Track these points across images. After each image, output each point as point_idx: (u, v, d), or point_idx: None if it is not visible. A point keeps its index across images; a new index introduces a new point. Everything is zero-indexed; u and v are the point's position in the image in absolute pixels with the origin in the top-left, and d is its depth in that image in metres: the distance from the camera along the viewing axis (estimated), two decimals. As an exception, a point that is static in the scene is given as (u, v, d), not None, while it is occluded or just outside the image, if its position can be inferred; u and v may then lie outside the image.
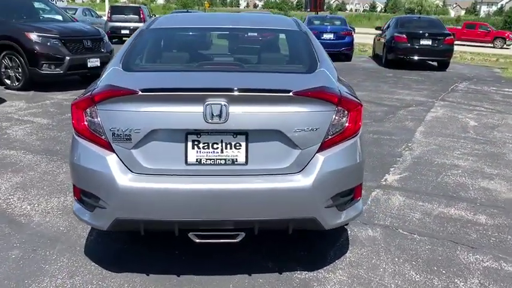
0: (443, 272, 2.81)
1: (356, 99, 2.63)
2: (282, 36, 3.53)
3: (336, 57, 15.09)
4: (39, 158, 4.73)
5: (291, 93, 2.36)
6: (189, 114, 2.33)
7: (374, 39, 16.47)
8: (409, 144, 5.57)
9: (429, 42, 12.99)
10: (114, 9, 19.21)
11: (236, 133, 2.39)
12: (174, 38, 3.40)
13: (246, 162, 2.41)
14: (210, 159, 2.40)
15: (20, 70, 8.38)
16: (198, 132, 2.38)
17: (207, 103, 2.30)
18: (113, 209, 2.40)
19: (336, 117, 2.48)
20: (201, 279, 2.68)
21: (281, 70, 2.88)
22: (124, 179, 2.37)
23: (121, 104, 2.37)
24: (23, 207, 3.59)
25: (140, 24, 18.58)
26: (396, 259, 2.94)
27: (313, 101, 2.41)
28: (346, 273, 2.77)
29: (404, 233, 3.30)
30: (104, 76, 2.68)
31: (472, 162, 4.96)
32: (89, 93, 2.48)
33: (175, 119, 2.35)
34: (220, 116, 2.31)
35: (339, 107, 2.49)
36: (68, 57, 8.37)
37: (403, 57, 13.02)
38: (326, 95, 2.44)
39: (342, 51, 14.82)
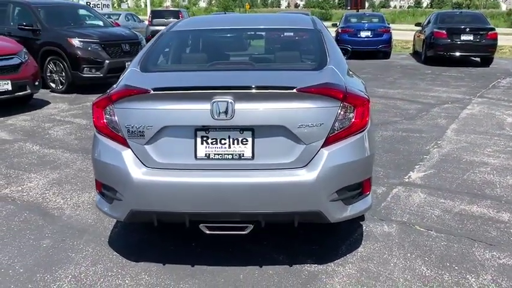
0: (456, 268, 2.79)
1: (363, 95, 2.67)
2: (297, 35, 3.60)
3: (373, 55, 14.91)
4: (76, 156, 5.02)
5: (294, 90, 2.44)
6: (198, 111, 2.45)
7: (414, 36, 16.09)
8: (439, 142, 5.47)
9: (471, 38, 12.56)
10: (155, 14, 19.85)
11: (243, 129, 2.49)
12: (191, 39, 3.55)
13: (253, 157, 2.51)
14: (218, 154, 2.51)
15: (63, 74, 8.87)
16: (206, 129, 2.50)
17: (213, 101, 2.42)
18: (128, 201, 2.56)
19: (341, 113, 2.53)
20: (213, 269, 2.79)
21: (290, 68, 2.95)
22: (138, 173, 2.52)
23: (135, 102, 2.53)
24: (57, 201, 3.85)
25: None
26: (409, 255, 2.94)
27: (317, 97, 2.48)
28: (356, 266, 2.81)
29: (421, 229, 3.28)
30: (122, 77, 2.86)
31: (503, 160, 4.81)
32: (108, 93, 2.66)
33: (185, 116, 2.48)
34: (226, 112, 2.42)
35: (345, 103, 2.54)
36: (107, 61, 8.76)
37: (443, 54, 12.65)
38: (330, 91, 2.50)
39: (379, 49, 14.60)
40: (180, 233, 3.17)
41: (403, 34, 22.06)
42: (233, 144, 2.51)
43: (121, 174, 2.55)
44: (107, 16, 21.51)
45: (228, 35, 3.67)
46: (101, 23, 10.51)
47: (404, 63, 13.84)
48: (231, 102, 2.42)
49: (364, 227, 3.30)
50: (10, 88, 7.02)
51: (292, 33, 3.67)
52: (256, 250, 3.00)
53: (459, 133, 5.87)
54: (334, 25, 17.17)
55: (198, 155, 2.52)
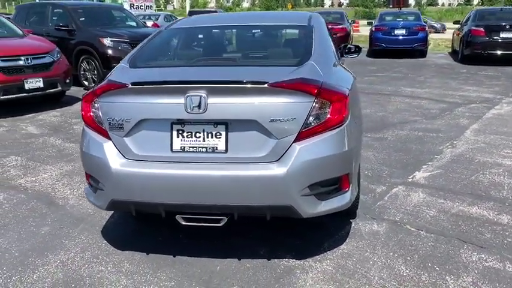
0: (437, 269, 2.72)
1: (340, 91, 2.65)
2: (288, 31, 3.62)
3: (409, 53, 14.54)
4: (92, 150, 5.24)
5: (266, 85, 2.46)
6: (173, 105, 2.53)
7: (453, 34, 15.56)
8: (454, 142, 5.30)
9: (511, 35, 12.00)
10: (192, 14, 20.22)
11: (216, 123, 2.55)
12: (185, 36, 3.64)
13: (226, 151, 2.56)
14: (193, 147, 2.58)
15: (95, 72, 9.24)
16: (181, 122, 2.57)
17: (187, 95, 2.49)
18: (108, 191, 2.68)
19: (315, 108, 2.53)
20: (193, 260, 2.87)
21: (271, 64, 2.97)
22: (117, 164, 2.63)
23: (116, 96, 2.64)
24: (64, 191, 4.05)
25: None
26: (391, 254, 2.90)
27: (290, 92, 2.49)
28: (334, 263, 2.80)
29: (411, 229, 3.22)
30: (111, 72, 2.98)
31: (520, 162, 4.61)
32: (94, 87, 2.78)
33: (161, 109, 2.56)
34: (199, 106, 2.48)
35: (319, 98, 2.54)
36: (136, 60, 9.03)
37: (481, 52, 12.16)
38: (302, 86, 2.51)
39: (414, 48, 14.22)
40: (171, 225, 3.26)
41: (449, 33, 21.34)
42: (207, 137, 2.57)
43: (102, 165, 2.66)
44: (147, 17, 22.19)
45: (221, 32, 3.73)
46: (134, 24, 10.86)
47: (440, 62, 13.42)
48: (204, 97, 2.48)
49: (352, 225, 3.28)
50: (42, 85, 7.39)
51: (284, 30, 3.68)
52: (239, 243, 3.05)
53: (478, 133, 5.66)
54: (369, 24, 16.85)
55: (173, 148, 2.59)
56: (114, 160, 2.65)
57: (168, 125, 2.59)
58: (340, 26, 16.07)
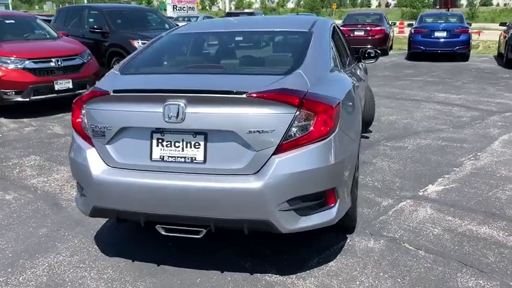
0: (427, 293, 2.55)
1: (326, 102, 2.53)
2: (285, 38, 3.50)
3: (451, 57, 13.96)
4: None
5: (244, 95, 2.38)
6: (152, 113, 2.49)
7: (499, 37, 14.79)
8: (478, 154, 4.99)
9: (561, 38, 11.25)
10: (230, 16, 20.34)
11: (196, 133, 2.49)
12: (178, 43, 3.61)
13: (204, 161, 2.50)
14: (172, 157, 2.54)
15: (126, 74, 9.43)
16: (161, 131, 2.53)
17: (166, 103, 2.45)
18: (91, 197, 2.69)
19: (297, 120, 2.43)
20: (176, 270, 2.82)
21: (257, 72, 2.88)
22: (99, 171, 2.63)
23: (99, 103, 2.64)
24: (71, 193, 4.12)
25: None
26: (381, 274, 2.74)
27: (270, 102, 2.40)
28: (318, 281, 2.68)
29: (410, 247, 3.04)
30: (101, 79, 2.99)
31: (547, 177, 4.28)
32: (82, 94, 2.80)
33: (141, 118, 2.54)
34: (177, 116, 2.44)
35: (302, 109, 2.43)
36: (165, 62, 9.17)
37: (527, 56, 11.48)
38: (283, 97, 2.41)
39: (456, 51, 13.62)
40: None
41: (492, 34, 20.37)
42: (186, 147, 2.52)
43: (85, 172, 2.67)
44: (186, 19, 22.49)
45: (215, 38, 3.67)
46: (167, 26, 11.02)
47: (482, 66, 12.78)
48: (182, 106, 2.43)
49: (347, 240, 3.13)
50: (71, 86, 7.63)
51: (281, 37, 3.58)
52: (227, 254, 2.98)
53: (507, 145, 5.31)
54: (409, 25, 16.33)
55: (153, 157, 2.56)
56: (96, 167, 2.65)
57: (148, 134, 2.56)
58: (378, 28, 15.69)
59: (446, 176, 4.36)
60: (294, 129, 2.43)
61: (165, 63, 3.24)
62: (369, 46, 15.28)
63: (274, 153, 2.43)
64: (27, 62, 7.28)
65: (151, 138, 2.56)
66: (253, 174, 2.44)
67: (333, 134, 2.55)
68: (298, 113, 2.43)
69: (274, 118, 2.41)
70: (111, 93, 2.58)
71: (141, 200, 2.56)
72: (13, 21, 8.67)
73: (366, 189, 4.07)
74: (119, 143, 2.62)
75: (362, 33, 15.67)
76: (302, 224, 2.53)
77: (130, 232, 3.37)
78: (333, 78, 2.98)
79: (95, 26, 9.89)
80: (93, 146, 2.69)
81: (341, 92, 2.83)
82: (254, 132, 2.40)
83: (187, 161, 2.52)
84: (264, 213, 2.43)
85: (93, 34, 9.88)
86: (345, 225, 3.16)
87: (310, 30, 3.34)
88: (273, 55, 3.45)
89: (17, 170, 4.77)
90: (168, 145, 2.54)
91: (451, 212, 3.55)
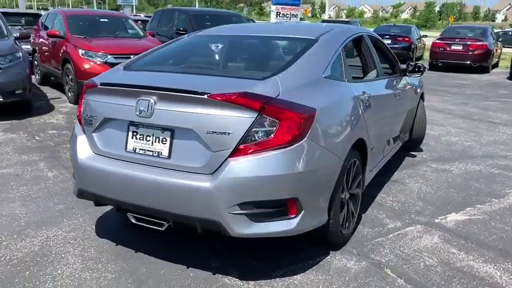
0: (380, 323, 2.36)
1: (294, 109, 2.48)
2: (288, 44, 3.44)
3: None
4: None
5: (205, 96, 2.43)
6: (129, 107, 2.65)
7: None
8: (532, 187, 4.43)
9: None
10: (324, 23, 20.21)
11: (164, 129, 2.60)
12: (191, 43, 3.71)
13: (169, 157, 2.59)
14: (143, 150, 2.67)
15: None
16: (136, 124, 2.68)
17: (138, 99, 2.59)
18: (77, 180, 2.93)
19: (257, 124, 2.42)
20: (149, 259, 2.94)
21: (237, 75, 2.88)
22: (84, 157, 2.86)
23: (91, 94, 2.88)
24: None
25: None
26: (343, 296, 2.60)
27: (230, 105, 2.42)
28: (272, 292, 2.62)
29: (390, 274, 2.83)
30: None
31: None
32: (86, 85, 3.06)
33: (120, 110, 2.71)
34: (146, 111, 2.57)
35: (263, 115, 2.42)
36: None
37: None
38: (243, 101, 2.41)
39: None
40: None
41: None
42: (155, 142, 2.63)
43: (75, 156, 2.92)
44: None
45: (222, 41, 3.71)
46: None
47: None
48: (152, 102, 2.56)
49: (328, 257, 3.01)
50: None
51: (284, 43, 3.51)
52: (201, 254, 3.03)
53: None
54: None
55: (127, 148, 2.72)
56: (83, 153, 2.88)
57: (126, 126, 2.72)
58: (480, 43, 14.54)
59: (478, 206, 3.95)
60: (253, 134, 2.42)
61: (165, 62, 3.38)
62: (467, 62, 14.27)
63: (230, 156, 2.44)
64: (109, 56, 8.00)
65: (128, 130, 2.71)
66: (210, 174, 2.47)
67: (299, 143, 2.49)
68: (259, 117, 2.42)
69: (233, 121, 2.42)
70: (99, 86, 2.79)
71: (113, 188, 2.73)
72: (106, 20, 9.58)
73: (380, 208, 3.85)
74: (103, 132, 2.82)
75: (460, 47, 14.62)
76: (255, 230, 2.50)
77: (128, 219, 3.56)
78: (322, 87, 2.88)
79: (181, 28, 10.50)
80: (84, 133, 2.92)
81: (324, 102, 2.74)
82: (212, 133, 2.44)
83: (154, 155, 2.63)
84: (214, 214, 2.45)
85: (177, 35, 10.50)
86: (328, 241, 3.05)
87: (317, 37, 3.27)
88: (264, 60, 3.43)
89: (67, 153, 5.28)
90: (141, 138, 2.68)
91: (459, 245, 3.23)
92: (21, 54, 7.15)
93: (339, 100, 2.95)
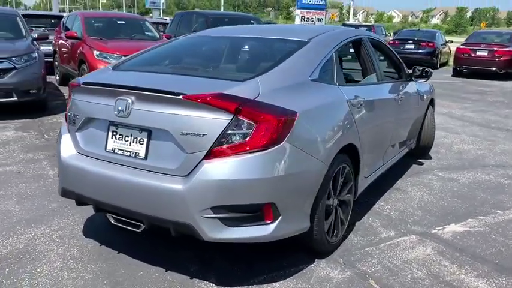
0: (353, 337, 2.26)
1: (272, 112, 2.41)
2: (279, 45, 3.34)
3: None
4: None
5: (181, 97, 2.39)
6: (108, 107, 2.64)
7: None
8: (542, 199, 4.22)
9: None
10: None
11: (142, 129, 2.57)
12: (183, 44, 3.68)
13: (146, 158, 2.56)
14: (121, 150, 2.65)
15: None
16: (115, 124, 2.66)
17: (117, 98, 2.58)
18: (61, 178, 2.93)
19: (232, 127, 2.36)
20: (129, 261, 2.92)
21: (221, 77, 2.82)
22: (67, 156, 2.86)
23: (76, 94, 2.88)
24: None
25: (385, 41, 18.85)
26: (320, 306, 2.51)
27: (205, 107, 2.37)
28: (247, 299, 2.55)
29: (373, 285, 2.72)
30: (94, 72, 3.24)
31: None
32: (75, 85, 3.06)
33: (101, 110, 2.70)
34: (124, 111, 2.55)
35: (239, 117, 2.36)
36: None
37: None
38: (218, 102, 2.35)
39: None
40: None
41: None
42: (133, 142, 2.61)
43: (58, 155, 2.93)
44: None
45: (213, 42, 3.66)
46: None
47: None
48: (129, 102, 2.53)
49: (312, 265, 2.92)
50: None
51: (274, 44, 3.42)
52: (183, 257, 2.98)
53: None
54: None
55: (107, 148, 2.70)
56: (66, 152, 2.88)
57: (106, 126, 2.71)
58: (506, 49, 14.08)
59: (480, 217, 3.78)
60: (228, 136, 2.37)
61: (154, 62, 3.35)
62: (493, 68, 13.87)
63: (204, 158, 2.39)
64: (123, 58, 8.08)
65: (108, 130, 2.70)
66: (184, 176, 2.43)
67: (276, 147, 2.42)
68: (234, 120, 2.36)
69: (207, 122, 2.37)
70: (81, 85, 2.79)
71: (93, 188, 2.72)
72: (123, 22, 9.71)
73: (376, 216, 3.73)
74: (85, 132, 2.82)
75: (485, 53, 14.19)
76: (228, 235, 2.43)
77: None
78: (307, 90, 2.80)
79: (197, 30, 10.55)
80: (69, 132, 2.93)
81: (307, 105, 2.67)
82: (186, 134, 2.39)
83: (131, 155, 2.60)
84: (186, 217, 2.40)
85: (195, 37, 10.55)
86: (313, 248, 2.96)
87: (309, 39, 3.19)
88: (250, 61, 3.36)
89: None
90: (120, 138, 2.66)
91: (453, 257, 3.08)
92: (37, 54, 7.30)
93: (325, 104, 2.86)
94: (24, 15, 13.09)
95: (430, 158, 5.48)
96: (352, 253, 3.11)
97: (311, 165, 2.64)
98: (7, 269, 2.79)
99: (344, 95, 3.08)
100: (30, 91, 7.05)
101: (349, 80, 3.85)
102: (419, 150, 5.23)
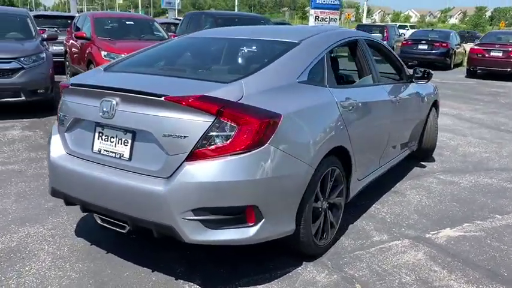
0: None
1: (253, 115, 2.40)
2: (269, 47, 3.32)
3: None
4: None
5: (162, 98, 2.40)
6: (95, 108, 2.66)
7: None
8: (543, 204, 4.12)
9: None
10: (360, 29, 19.85)
11: (126, 130, 2.58)
12: (180, 45, 3.69)
13: (130, 159, 2.57)
14: (107, 151, 2.67)
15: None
16: (102, 125, 2.68)
17: (102, 99, 2.60)
18: (51, 178, 2.97)
19: (215, 129, 2.36)
20: (117, 261, 2.93)
21: (206, 78, 2.82)
22: (57, 156, 2.90)
23: (65, 95, 2.91)
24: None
25: (384, 43, 18.70)
26: (301, 310, 2.49)
27: (187, 108, 2.37)
28: (229, 301, 2.54)
29: (359, 290, 2.69)
30: (85, 73, 3.27)
31: None
32: (66, 86, 3.10)
33: (87, 111, 2.72)
34: (108, 112, 2.57)
35: (221, 119, 2.36)
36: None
37: None
38: (200, 104, 2.35)
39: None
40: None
41: None
42: (118, 143, 2.62)
43: (48, 155, 2.96)
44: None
45: (203, 43, 3.65)
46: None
47: None
48: (114, 103, 2.55)
49: (299, 268, 2.90)
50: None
51: (265, 46, 3.40)
52: (170, 258, 2.98)
53: None
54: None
55: (94, 149, 2.72)
56: (56, 152, 2.92)
57: (93, 127, 2.73)
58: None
59: (477, 221, 3.71)
60: (210, 138, 2.37)
61: (145, 63, 3.35)
62: (508, 69, 13.63)
63: (186, 160, 2.39)
64: (116, 59, 8.16)
65: (95, 131, 2.72)
66: (166, 178, 2.43)
67: (259, 149, 2.41)
68: (216, 122, 2.36)
69: (189, 124, 2.37)
70: (70, 87, 2.82)
71: (79, 188, 2.74)
72: (132, 23, 9.79)
73: (371, 219, 3.69)
74: (74, 133, 2.85)
75: (500, 54, 13.94)
76: (210, 237, 2.43)
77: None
78: (293, 92, 2.78)
79: (206, 30, 10.58)
80: (58, 133, 2.96)
81: (293, 107, 2.65)
82: (168, 136, 2.40)
83: (116, 156, 2.62)
84: (167, 218, 2.41)
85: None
86: (301, 251, 2.94)
87: (300, 41, 3.17)
88: (238, 63, 3.35)
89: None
90: (106, 139, 2.68)
91: (444, 262, 3.03)
92: (45, 54, 7.41)
93: (313, 106, 2.83)
94: (39, 16, 13.35)
95: (433, 160, 5.40)
96: (342, 256, 3.08)
97: (296, 167, 2.62)
98: (-4, 267, 2.83)
99: (334, 97, 3.05)
100: (38, 91, 7.16)
101: (343, 82, 3.82)
102: (421, 153, 5.17)
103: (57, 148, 2.93)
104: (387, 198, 4.16)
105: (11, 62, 6.90)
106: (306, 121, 2.75)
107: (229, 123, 2.37)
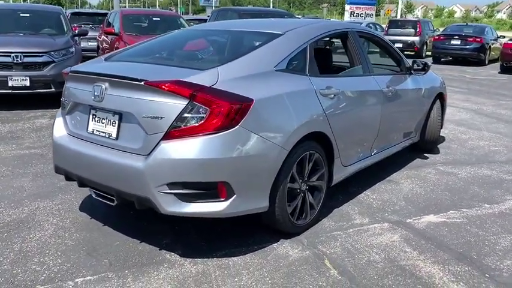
0: (287, 307, 2.43)
1: (224, 98, 2.63)
2: (254, 38, 3.51)
3: None
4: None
5: (142, 83, 2.66)
6: (89, 92, 2.96)
7: None
8: (537, 195, 4.12)
9: None
10: (392, 23, 19.58)
11: (114, 113, 2.87)
12: (176, 37, 3.96)
13: (117, 138, 2.86)
14: (98, 131, 2.97)
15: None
16: (95, 108, 2.98)
17: (94, 85, 2.89)
18: (54, 157, 3.30)
19: (188, 111, 2.60)
20: (110, 232, 3.24)
21: (187, 66, 3.05)
22: (59, 136, 3.22)
23: (68, 81, 3.24)
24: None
25: (416, 38, 18.44)
26: (267, 279, 2.69)
27: (163, 92, 2.62)
28: (202, 268, 2.78)
29: (327, 265, 2.86)
30: (89, 62, 3.59)
31: None
32: (71, 73, 3.43)
33: (83, 95, 3.03)
34: (98, 96, 2.86)
35: (194, 102, 2.60)
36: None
37: None
38: (174, 88, 2.60)
39: None
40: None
41: None
42: (108, 124, 2.91)
43: (52, 135, 3.30)
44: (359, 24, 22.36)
45: (200, 35, 3.90)
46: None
47: None
48: (103, 88, 2.84)
49: (275, 244, 3.10)
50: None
51: (250, 37, 3.59)
52: (159, 230, 3.26)
53: None
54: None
55: (88, 129, 3.03)
56: (58, 133, 3.25)
57: (88, 109, 3.03)
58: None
59: (463, 209, 3.78)
60: (184, 119, 2.61)
61: (141, 53, 3.62)
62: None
63: (162, 139, 2.64)
64: (117, 50, 8.55)
65: (89, 113, 3.03)
66: (146, 155, 2.70)
67: (229, 130, 2.63)
68: (190, 104, 2.60)
69: (166, 106, 2.63)
70: (69, 74, 3.14)
71: (76, 165, 3.06)
72: (159, 19, 10.20)
73: (357, 204, 3.83)
74: (73, 115, 3.17)
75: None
76: (184, 209, 2.68)
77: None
78: (269, 79, 2.97)
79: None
80: (62, 115, 3.29)
81: (267, 93, 2.85)
82: (147, 117, 2.66)
83: (106, 136, 2.91)
84: (145, 191, 2.67)
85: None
86: (278, 229, 3.14)
87: (284, 32, 3.36)
88: (221, 52, 3.56)
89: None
90: (98, 121, 2.97)
91: (417, 245, 3.15)
92: (74, 49, 7.90)
93: (289, 92, 3.01)
94: (77, 13, 14.07)
95: (438, 152, 5.44)
96: (319, 235, 3.25)
97: (267, 149, 2.82)
98: (5, 234, 3.19)
99: (313, 85, 3.22)
100: (67, 83, 7.64)
101: (331, 72, 3.97)
102: (424, 145, 5.22)
103: (59, 129, 3.26)
104: (379, 186, 4.28)
105: (42, 55, 7.40)
106: (280, 106, 2.94)
107: (201, 106, 2.60)
